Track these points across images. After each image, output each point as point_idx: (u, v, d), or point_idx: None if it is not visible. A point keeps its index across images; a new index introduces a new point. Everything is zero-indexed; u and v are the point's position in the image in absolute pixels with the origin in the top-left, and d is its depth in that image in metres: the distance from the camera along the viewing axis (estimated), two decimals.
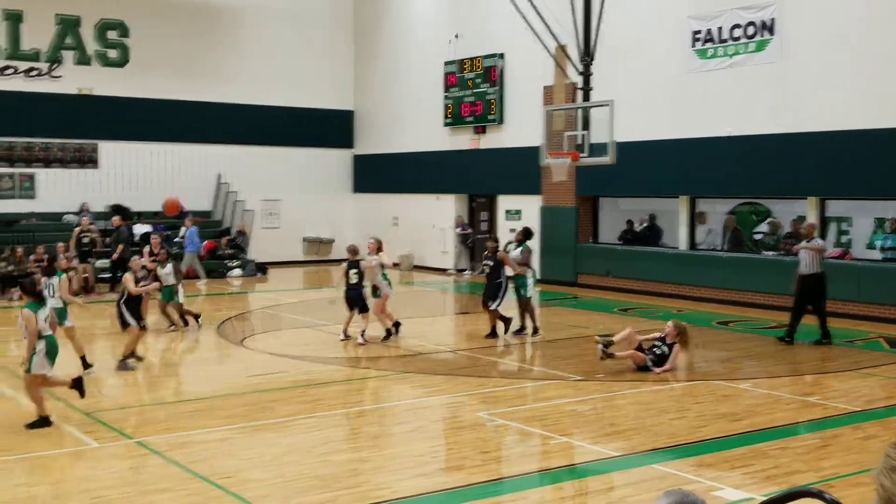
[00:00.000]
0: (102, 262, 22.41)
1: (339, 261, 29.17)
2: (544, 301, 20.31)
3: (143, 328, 12.95)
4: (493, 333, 15.23)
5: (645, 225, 22.95)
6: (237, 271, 25.68)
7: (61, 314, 12.09)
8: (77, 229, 22.37)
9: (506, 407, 10.77)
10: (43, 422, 9.32)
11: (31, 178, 25.53)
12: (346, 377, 12.56)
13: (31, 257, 21.45)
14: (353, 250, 15.22)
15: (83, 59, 26.07)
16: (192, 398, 11.03)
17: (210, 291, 22.50)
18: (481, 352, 14.28)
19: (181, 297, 15.97)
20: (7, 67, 25.07)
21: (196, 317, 16.32)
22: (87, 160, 26.28)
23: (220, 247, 26.21)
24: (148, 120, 26.69)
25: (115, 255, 21.49)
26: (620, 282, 21.83)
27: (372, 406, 11.14)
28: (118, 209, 25.63)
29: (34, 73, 25.44)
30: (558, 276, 23.00)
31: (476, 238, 26.11)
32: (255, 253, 26.84)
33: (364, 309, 14.75)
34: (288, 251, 28.88)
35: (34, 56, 25.42)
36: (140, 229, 25.33)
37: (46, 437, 9.22)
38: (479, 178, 26.01)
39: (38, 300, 9.43)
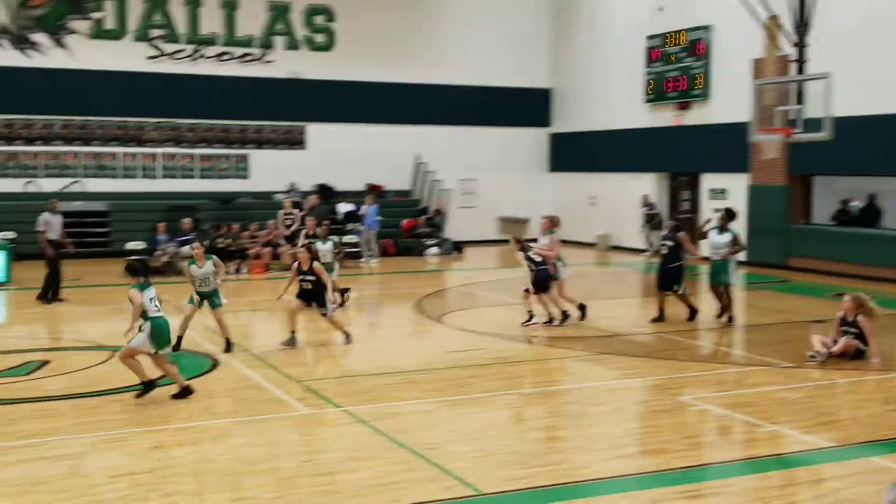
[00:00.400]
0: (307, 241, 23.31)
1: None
2: (751, 285, 19.48)
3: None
4: (692, 316, 14.71)
5: (861, 205, 21.52)
6: (434, 249, 26.19)
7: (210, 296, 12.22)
8: (280, 212, 23.35)
9: (709, 392, 10.41)
10: (149, 386, 9.46)
11: (245, 158, 27.07)
12: (542, 356, 12.53)
13: (245, 233, 22.78)
14: (519, 235, 14.87)
15: (292, 44, 27.29)
16: (394, 371, 11.34)
17: (408, 269, 23.06)
18: (681, 335, 13.86)
19: (335, 275, 15.84)
20: (224, 53, 26.62)
21: (342, 292, 16.13)
22: (296, 141, 27.56)
23: (418, 225, 26.81)
24: (352, 102, 27.61)
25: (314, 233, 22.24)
26: (835, 265, 20.57)
27: (569, 386, 11.05)
28: (323, 188, 26.74)
29: (248, 58, 26.88)
30: (767, 259, 21.97)
31: (679, 218, 25.34)
32: (452, 231, 27.28)
33: (545, 290, 14.46)
34: (483, 230, 29.17)
35: (247, 42, 26.84)
36: (343, 208, 26.33)
37: (264, 402, 9.75)
38: (681, 156, 25.23)
39: (144, 281, 9.48)
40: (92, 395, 10.01)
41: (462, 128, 28.98)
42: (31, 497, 6.91)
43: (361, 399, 9.80)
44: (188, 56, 26.24)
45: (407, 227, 26.65)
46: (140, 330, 9.28)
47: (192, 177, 26.50)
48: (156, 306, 9.37)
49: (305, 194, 25.76)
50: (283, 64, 27.10)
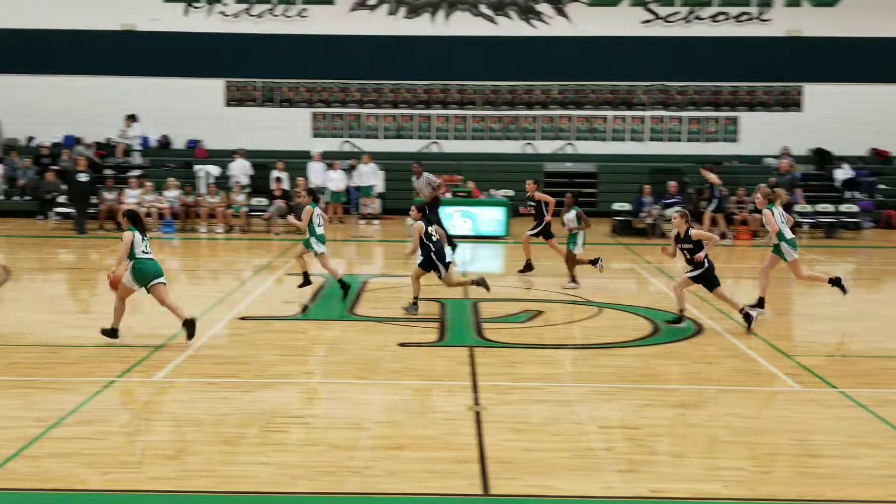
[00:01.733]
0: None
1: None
2: None
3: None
4: None
5: None
6: None
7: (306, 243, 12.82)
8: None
9: None
10: (112, 333, 10.00)
11: (734, 121, 26.33)
12: None
13: (733, 198, 22.10)
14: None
15: (793, 1, 25.81)
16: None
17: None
18: None
19: (579, 248, 14.34)
20: (719, 14, 26.03)
21: (593, 262, 14.41)
22: (791, 103, 26.14)
23: None
24: (856, 60, 25.43)
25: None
26: None
27: None
28: (818, 153, 25.13)
29: (744, 17, 25.98)
30: None
31: None
32: None
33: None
34: None
35: (746, 2, 25.90)
36: (840, 175, 24.50)
37: (751, 374, 9.41)
38: None
39: (139, 228, 9.94)
40: (583, 348, 10.45)
41: None
42: (528, 435, 7.36)
43: (860, 381, 9.00)
44: (682, 18, 26.08)
45: None
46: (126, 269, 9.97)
47: (678, 140, 26.47)
48: (143, 250, 9.94)
49: (799, 159, 24.43)
50: (782, 22, 25.77)
